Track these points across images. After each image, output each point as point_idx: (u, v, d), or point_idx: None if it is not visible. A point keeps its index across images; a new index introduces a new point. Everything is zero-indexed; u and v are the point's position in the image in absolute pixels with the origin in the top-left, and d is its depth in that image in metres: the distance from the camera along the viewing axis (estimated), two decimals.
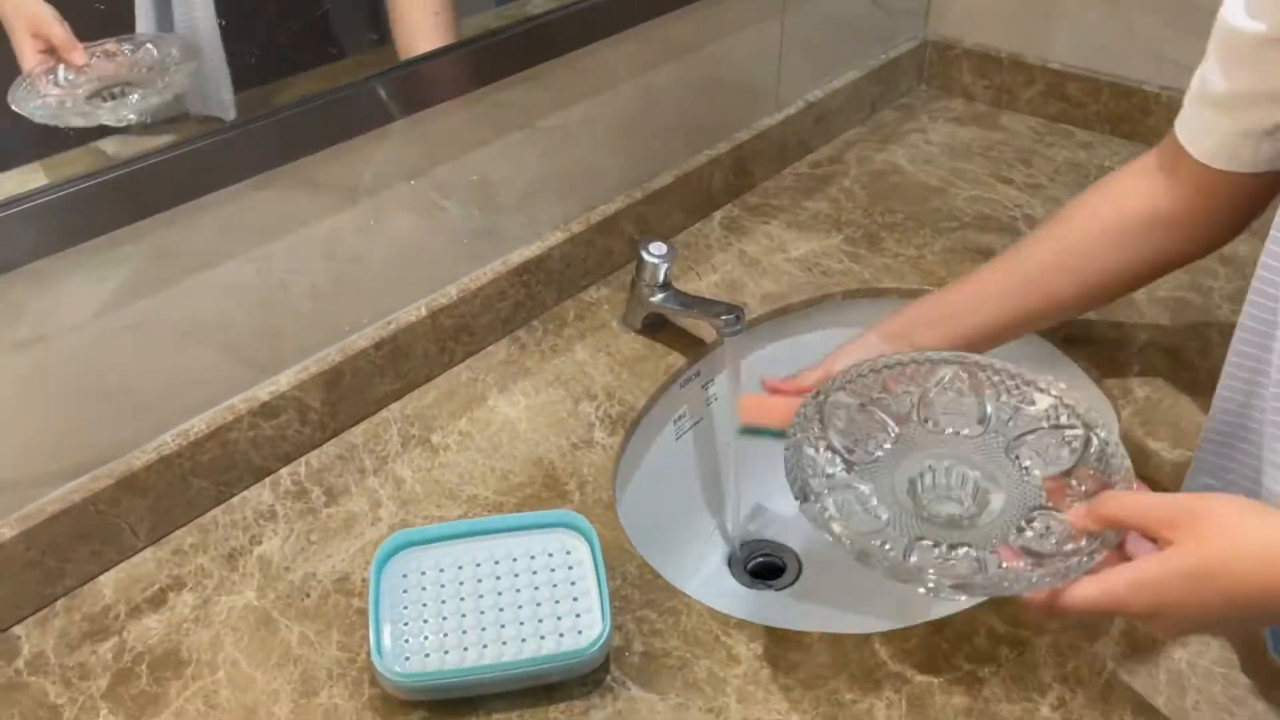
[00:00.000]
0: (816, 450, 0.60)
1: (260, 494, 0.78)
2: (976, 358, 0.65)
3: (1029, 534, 0.55)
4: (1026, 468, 0.59)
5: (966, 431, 0.62)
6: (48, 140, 0.66)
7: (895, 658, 0.65)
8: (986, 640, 0.66)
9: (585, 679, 0.64)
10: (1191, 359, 0.89)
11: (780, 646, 0.66)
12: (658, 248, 0.90)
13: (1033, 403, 0.62)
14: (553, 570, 0.69)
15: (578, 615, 0.66)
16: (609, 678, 0.64)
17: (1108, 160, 1.20)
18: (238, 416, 0.76)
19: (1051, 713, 0.62)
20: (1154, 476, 0.78)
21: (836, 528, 0.55)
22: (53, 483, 0.69)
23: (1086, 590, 0.50)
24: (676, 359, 0.92)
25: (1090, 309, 0.84)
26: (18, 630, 0.68)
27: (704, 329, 0.94)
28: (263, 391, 0.78)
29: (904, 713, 0.62)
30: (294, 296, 0.78)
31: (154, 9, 0.70)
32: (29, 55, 0.63)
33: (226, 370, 0.76)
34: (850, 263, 1.03)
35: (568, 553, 0.70)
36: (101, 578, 0.71)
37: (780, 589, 0.95)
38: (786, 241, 1.07)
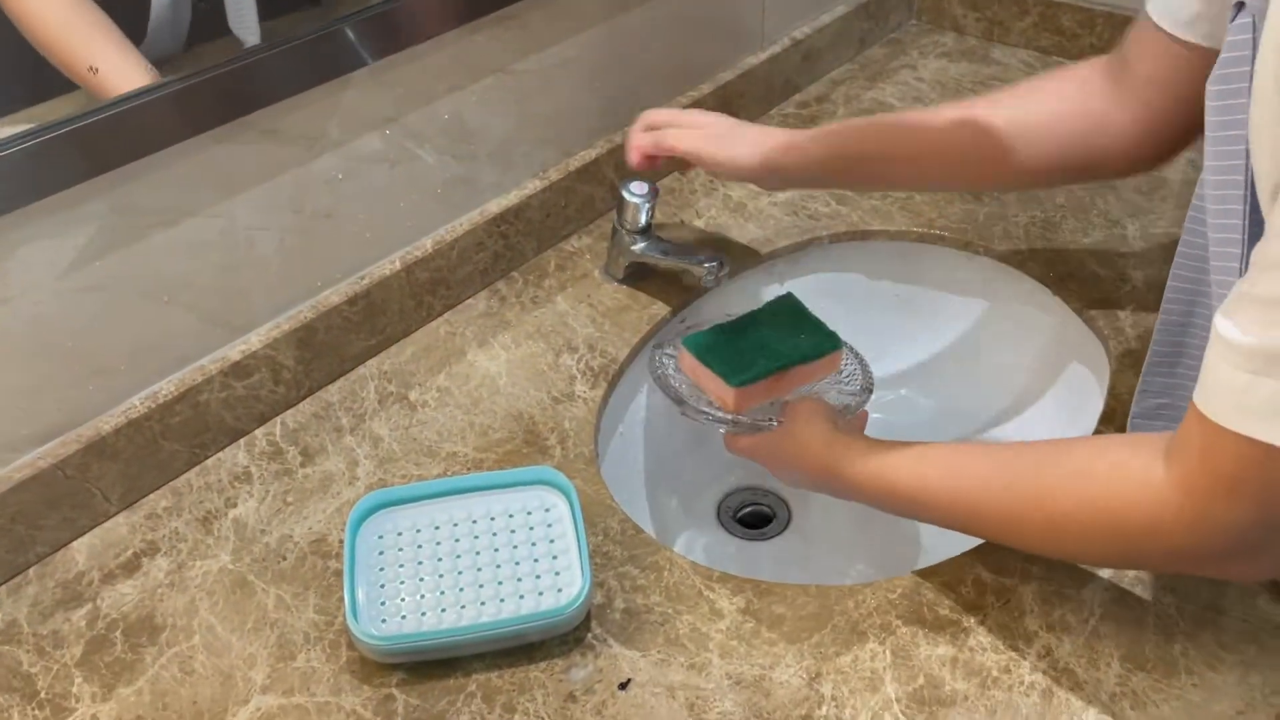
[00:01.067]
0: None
1: (235, 455, 0.76)
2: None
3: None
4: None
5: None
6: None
7: (880, 609, 0.64)
8: (973, 589, 0.65)
9: (566, 637, 0.63)
10: None
11: (764, 600, 0.65)
12: (638, 186, 0.88)
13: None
14: (532, 528, 0.67)
15: (557, 573, 0.65)
16: (590, 635, 0.63)
17: None
18: (208, 377, 0.74)
19: (1038, 661, 0.61)
20: None
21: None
22: (20, 449, 0.68)
23: (741, 442, 0.76)
24: (660, 308, 0.90)
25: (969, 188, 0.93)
26: None
27: (688, 277, 0.92)
28: (233, 351, 0.76)
29: (889, 663, 0.61)
30: (261, 253, 0.76)
31: None
32: None
33: (195, 330, 0.74)
34: (838, 205, 1.01)
35: (547, 510, 0.69)
36: (74, 544, 0.70)
37: (770, 538, 0.94)
38: None
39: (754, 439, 0.75)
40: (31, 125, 0.61)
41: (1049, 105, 0.75)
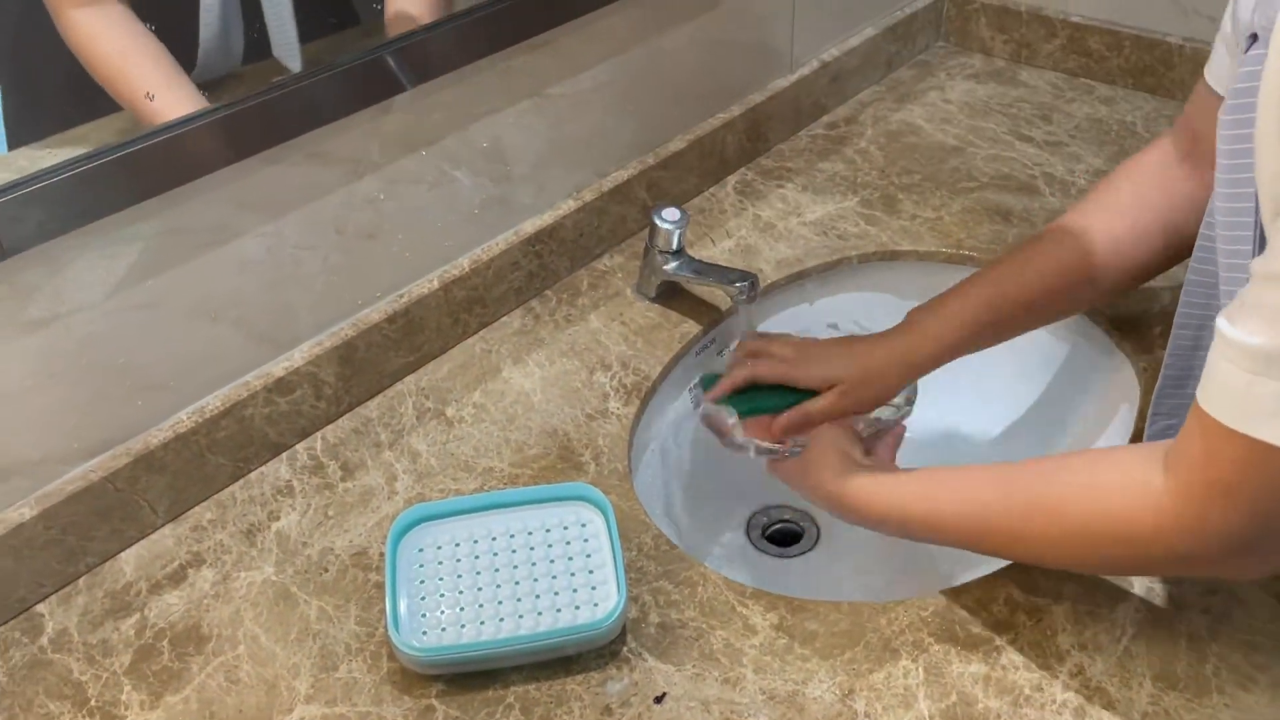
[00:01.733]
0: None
1: (277, 469, 0.78)
2: None
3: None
4: None
5: None
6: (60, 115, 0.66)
7: (913, 626, 0.65)
8: (1005, 608, 0.66)
9: (602, 651, 0.64)
10: None
11: (797, 616, 0.66)
12: (670, 213, 0.89)
13: None
14: (568, 543, 0.69)
15: (594, 588, 0.66)
16: (625, 649, 0.64)
17: (1129, 115, 1.18)
18: (253, 393, 0.76)
19: (1070, 680, 0.61)
20: None
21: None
22: (71, 462, 0.70)
23: (775, 466, 0.79)
24: (691, 326, 0.91)
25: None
26: (41, 608, 0.69)
27: (718, 296, 0.93)
28: (277, 367, 0.78)
29: (921, 680, 0.62)
30: (306, 271, 0.78)
31: None
32: None
33: (241, 347, 0.76)
34: (867, 225, 1.02)
35: (583, 525, 0.70)
36: (122, 555, 0.72)
37: (799, 555, 0.95)
38: (802, 205, 1.05)
39: (783, 464, 0.78)
40: (86, 149, 0.63)
41: (1134, 212, 0.75)
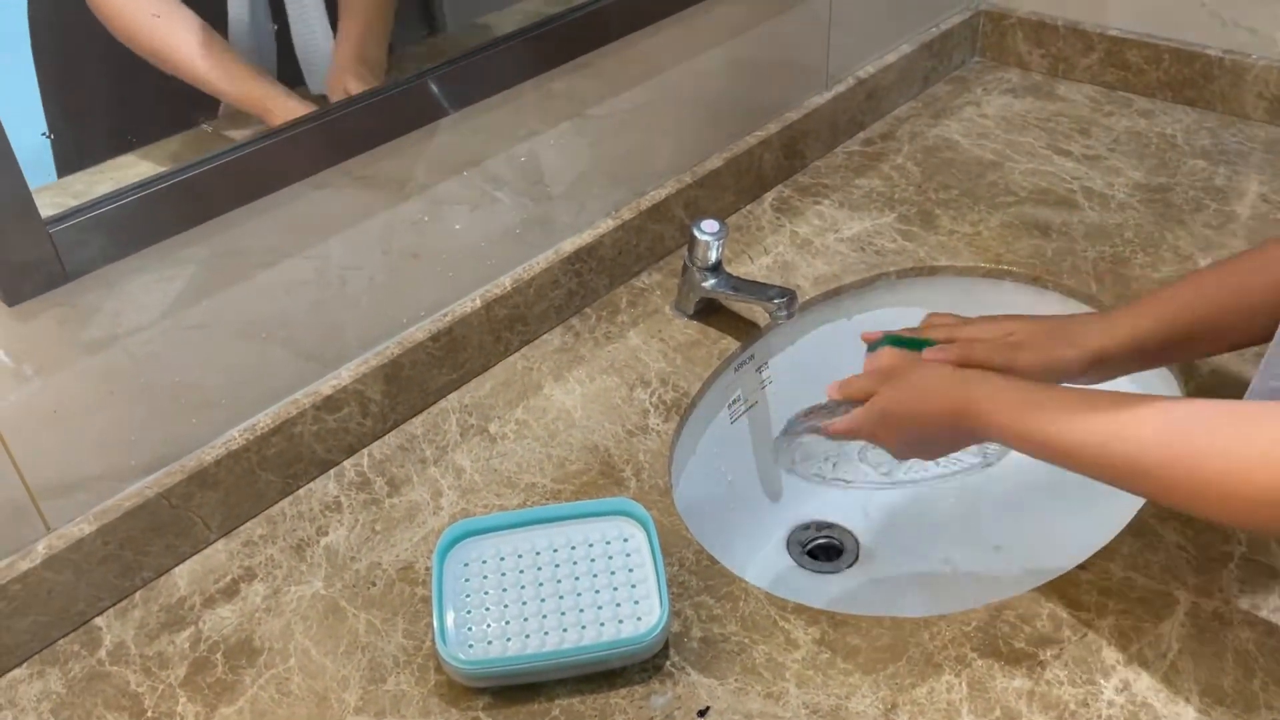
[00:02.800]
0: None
1: (325, 485, 0.80)
2: None
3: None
4: None
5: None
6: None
7: (955, 641, 0.65)
8: (1049, 623, 0.66)
9: (645, 664, 0.65)
10: None
11: (839, 630, 0.66)
12: (709, 225, 0.90)
13: None
14: (610, 558, 0.70)
15: (636, 602, 0.67)
16: (669, 663, 0.65)
17: (1169, 127, 1.17)
18: (301, 411, 0.78)
19: (1115, 695, 0.61)
20: None
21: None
22: (128, 478, 0.72)
23: (837, 424, 0.76)
24: (730, 343, 0.92)
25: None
26: (99, 621, 0.70)
27: (756, 312, 0.94)
28: (325, 385, 0.80)
29: (965, 695, 0.62)
30: (352, 291, 0.80)
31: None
32: None
33: (289, 365, 0.78)
34: (904, 241, 1.02)
35: (625, 540, 0.71)
36: (176, 570, 0.74)
37: (840, 570, 0.95)
38: (839, 221, 1.06)
39: (859, 411, 0.73)
40: (136, 174, 0.65)
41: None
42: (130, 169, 0.67)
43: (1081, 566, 0.69)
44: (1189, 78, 1.20)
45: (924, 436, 0.71)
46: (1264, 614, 0.65)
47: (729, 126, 1.06)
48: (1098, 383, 0.77)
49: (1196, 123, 1.18)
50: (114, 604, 0.72)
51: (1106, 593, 0.67)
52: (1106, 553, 0.70)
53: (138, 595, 0.72)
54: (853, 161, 1.16)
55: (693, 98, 1.01)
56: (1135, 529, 0.71)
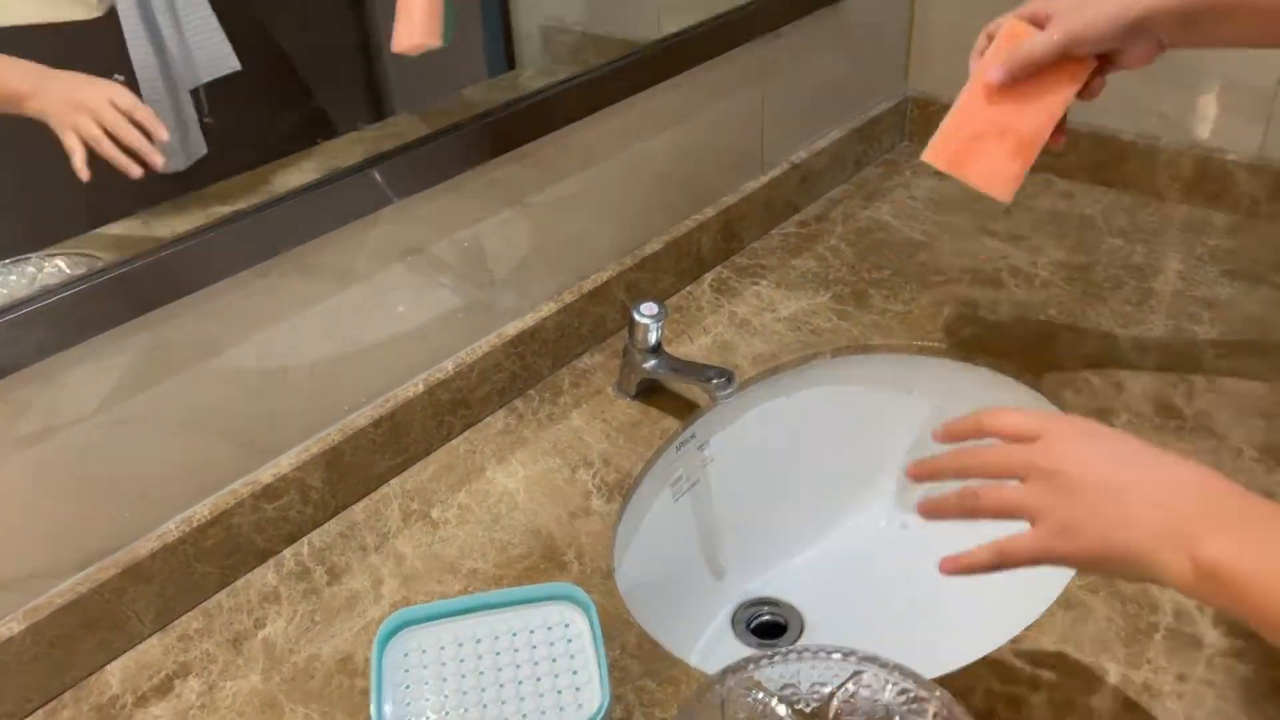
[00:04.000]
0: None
1: (264, 576, 0.79)
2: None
3: None
4: None
5: None
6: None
7: None
8: (983, 698, 0.67)
9: None
10: (1178, 405, 0.90)
11: None
12: (649, 308, 0.92)
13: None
14: (552, 644, 0.70)
15: (577, 689, 0.67)
16: None
17: (1088, 208, 1.22)
18: (240, 500, 0.77)
19: None
20: None
21: None
22: (61, 574, 0.70)
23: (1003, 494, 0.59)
24: (671, 423, 0.93)
25: None
26: None
27: (697, 392, 0.96)
28: (265, 474, 0.79)
29: None
30: (294, 379, 0.80)
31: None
32: None
33: (228, 454, 0.78)
34: (839, 320, 1.05)
35: (566, 625, 0.71)
36: (108, 667, 0.72)
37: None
38: (776, 301, 1.09)
39: (1021, 459, 0.58)
40: (82, 269, 0.65)
41: None
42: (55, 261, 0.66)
43: (1014, 640, 0.71)
44: (1105, 160, 1.26)
45: (1114, 540, 0.53)
46: (1190, 685, 0.66)
47: (668, 210, 1.09)
48: (1139, 55, 0.77)
49: (1114, 202, 1.24)
50: (43, 705, 0.70)
51: (1039, 665, 0.68)
52: (1038, 626, 0.72)
53: (67, 695, 0.71)
54: (788, 243, 1.20)
55: (633, 183, 1.03)
56: (1065, 601, 0.73)
